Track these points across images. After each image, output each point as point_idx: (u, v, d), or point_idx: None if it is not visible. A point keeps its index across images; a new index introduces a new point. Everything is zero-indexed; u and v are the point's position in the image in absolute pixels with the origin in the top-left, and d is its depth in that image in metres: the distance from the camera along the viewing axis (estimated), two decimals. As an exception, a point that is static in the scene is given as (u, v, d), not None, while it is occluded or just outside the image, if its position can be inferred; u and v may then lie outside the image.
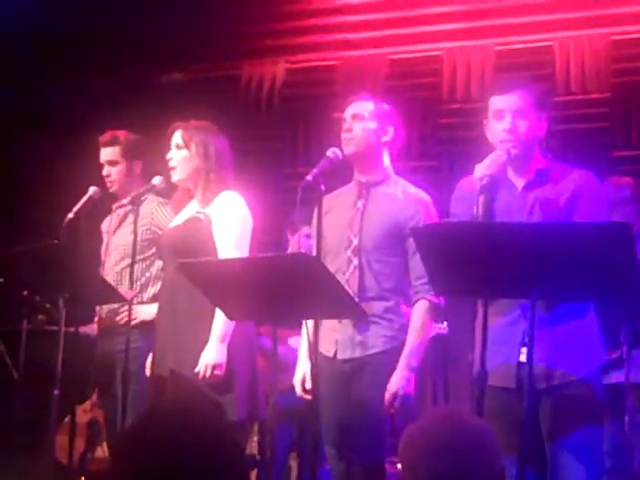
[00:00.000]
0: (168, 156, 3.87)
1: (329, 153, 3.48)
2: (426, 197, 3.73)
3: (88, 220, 4.40)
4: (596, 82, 5.99)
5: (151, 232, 4.36)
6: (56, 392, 3.93)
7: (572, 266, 2.62)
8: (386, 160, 3.76)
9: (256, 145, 6.51)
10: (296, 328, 3.88)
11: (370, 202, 3.71)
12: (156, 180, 4.08)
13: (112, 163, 4.52)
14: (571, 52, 6.05)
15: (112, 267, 4.41)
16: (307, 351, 3.62)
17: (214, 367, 3.57)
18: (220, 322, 3.57)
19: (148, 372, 3.85)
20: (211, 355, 3.58)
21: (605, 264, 2.59)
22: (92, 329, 4.47)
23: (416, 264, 3.51)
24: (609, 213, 3.29)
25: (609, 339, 3.50)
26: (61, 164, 6.39)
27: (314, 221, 3.50)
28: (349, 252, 3.66)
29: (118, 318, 4.29)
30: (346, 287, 3.37)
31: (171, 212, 4.19)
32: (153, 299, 4.24)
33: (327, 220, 3.62)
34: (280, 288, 3.01)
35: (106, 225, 4.60)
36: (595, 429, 3.10)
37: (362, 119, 3.71)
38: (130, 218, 4.32)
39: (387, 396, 3.51)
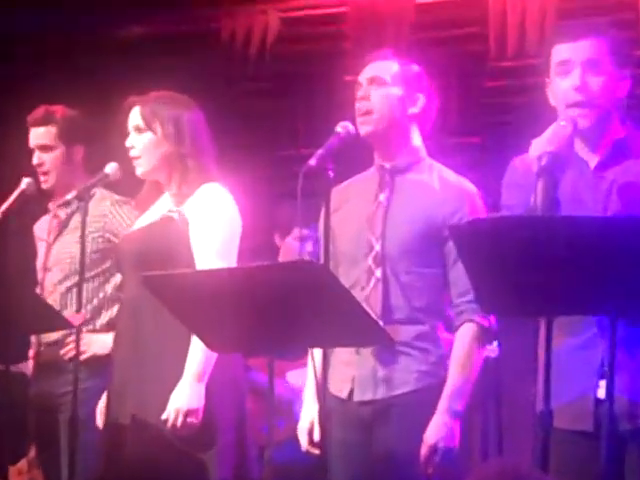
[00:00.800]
0: (127, 143, 3.84)
1: (339, 129, 3.48)
2: (472, 188, 3.74)
3: (20, 222, 4.41)
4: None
5: (104, 240, 4.37)
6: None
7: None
8: (416, 138, 3.76)
9: (243, 122, 6.53)
10: (297, 359, 3.89)
11: (396, 194, 3.71)
12: (110, 168, 4.09)
13: (45, 148, 4.51)
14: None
15: (54, 286, 4.43)
16: (315, 390, 3.62)
17: (187, 413, 3.57)
18: (197, 354, 3.57)
19: (100, 420, 3.86)
20: (183, 397, 3.58)
21: None
22: (27, 367, 4.48)
23: (458, 276, 3.52)
24: None
25: None
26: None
27: (321, 220, 3.50)
28: (370, 261, 3.66)
29: (62, 352, 4.31)
30: (366, 306, 3.37)
31: (131, 213, 4.20)
32: (108, 326, 4.26)
33: (339, 218, 3.63)
34: (277, 307, 3.00)
35: (42, 230, 4.60)
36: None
37: (383, 84, 3.72)
38: (75, 222, 4.33)
39: (423, 450, 3.51)
